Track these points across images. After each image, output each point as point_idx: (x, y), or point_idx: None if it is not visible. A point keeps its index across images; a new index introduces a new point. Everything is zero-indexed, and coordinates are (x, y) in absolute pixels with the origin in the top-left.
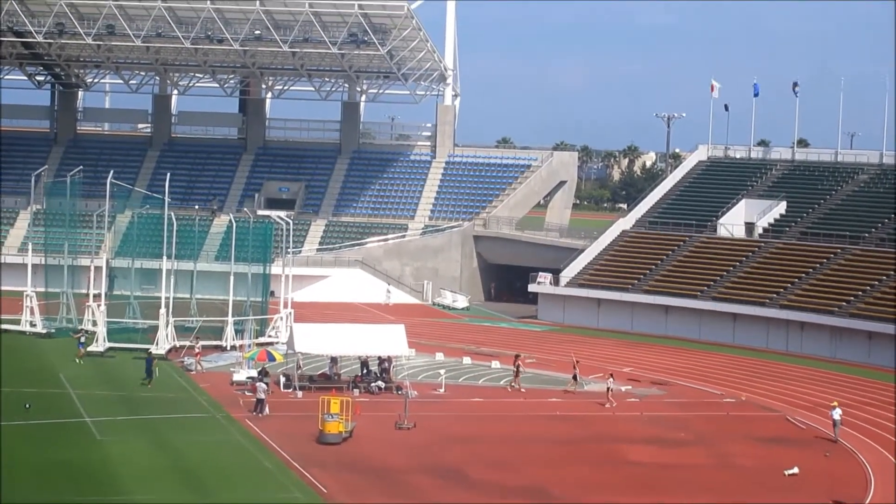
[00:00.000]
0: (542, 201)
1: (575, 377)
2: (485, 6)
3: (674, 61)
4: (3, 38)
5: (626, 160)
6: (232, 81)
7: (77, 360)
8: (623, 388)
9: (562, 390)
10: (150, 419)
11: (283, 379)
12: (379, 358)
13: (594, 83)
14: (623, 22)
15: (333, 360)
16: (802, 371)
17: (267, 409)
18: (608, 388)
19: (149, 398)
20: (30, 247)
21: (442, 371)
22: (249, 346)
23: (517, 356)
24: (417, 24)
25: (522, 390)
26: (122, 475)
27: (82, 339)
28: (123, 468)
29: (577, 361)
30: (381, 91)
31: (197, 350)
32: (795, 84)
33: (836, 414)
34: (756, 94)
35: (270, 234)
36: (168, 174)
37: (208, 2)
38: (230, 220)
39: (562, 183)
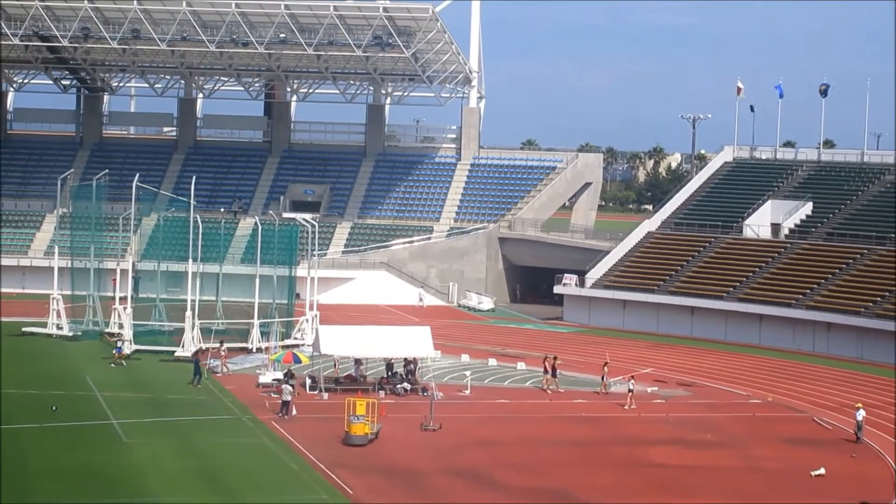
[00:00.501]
0: (567, 203)
1: (603, 378)
2: (509, 8)
3: (699, 62)
4: (29, 43)
5: (652, 161)
6: (257, 84)
7: (112, 364)
8: (648, 390)
9: (595, 392)
10: (177, 421)
11: (308, 381)
12: (405, 360)
13: (619, 84)
14: (648, 22)
15: (357, 361)
16: (829, 372)
17: (294, 411)
18: (629, 390)
19: (175, 400)
20: (56, 250)
21: (467, 372)
22: (276, 348)
23: (546, 358)
24: (442, 26)
25: (549, 392)
26: (149, 477)
27: (119, 344)
28: (150, 470)
29: (607, 363)
30: (405, 93)
31: (222, 352)
32: (825, 87)
33: (860, 415)
34: (781, 96)
35: (296, 237)
36: (193, 177)
37: (233, 5)
38: (256, 223)
39: (587, 184)
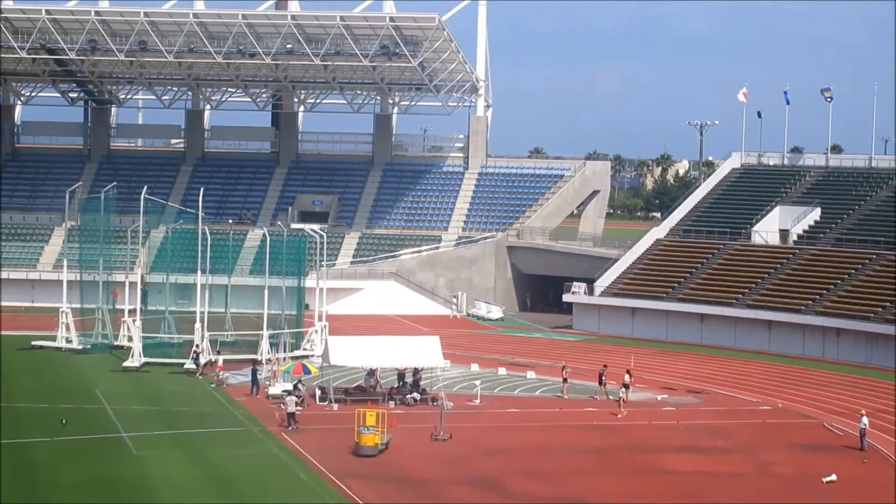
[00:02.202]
0: (575, 211)
1: (601, 382)
2: (516, 17)
3: (706, 69)
4: (36, 56)
5: (660, 169)
6: (264, 95)
7: (200, 377)
8: (658, 397)
9: (615, 399)
10: (187, 433)
11: (318, 392)
12: (415, 369)
13: (626, 92)
14: (655, 30)
15: (371, 371)
16: (839, 377)
17: (297, 424)
18: (620, 398)
19: (184, 412)
20: (65, 263)
21: (477, 382)
22: (285, 359)
23: (564, 368)
24: (448, 35)
25: (565, 398)
26: (159, 489)
27: (198, 358)
28: (160, 482)
29: (605, 367)
30: (413, 103)
31: (216, 363)
32: (826, 90)
33: (863, 422)
34: (788, 102)
35: (304, 248)
36: (201, 189)
37: (240, 16)
38: (264, 234)
39: (595, 192)
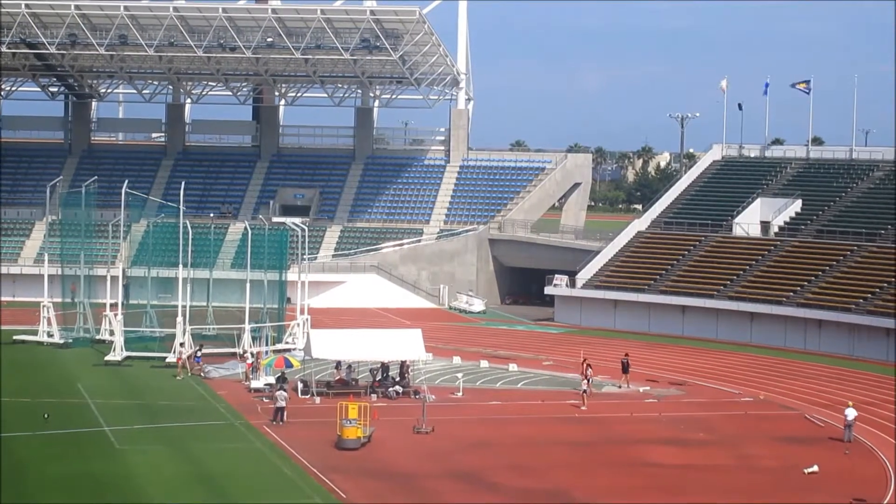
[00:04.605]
0: (556, 204)
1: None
2: (497, 9)
3: (687, 62)
4: (16, 51)
5: (641, 161)
6: (245, 89)
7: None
8: (640, 389)
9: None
10: (169, 427)
11: (300, 385)
12: (402, 363)
13: (607, 85)
14: (636, 24)
15: (342, 364)
16: (821, 369)
17: (285, 418)
18: (584, 391)
19: (167, 406)
20: (46, 257)
21: (459, 375)
22: (267, 352)
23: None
24: (429, 28)
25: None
26: (142, 484)
27: (199, 355)
28: (143, 477)
29: (586, 360)
30: (394, 96)
31: (185, 355)
32: (801, 83)
33: (851, 415)
34: (765, 93)
35: (286, 241)
36: (183, 183)
37: (220, 10)
38: (245, 228)
39: (576, 185)
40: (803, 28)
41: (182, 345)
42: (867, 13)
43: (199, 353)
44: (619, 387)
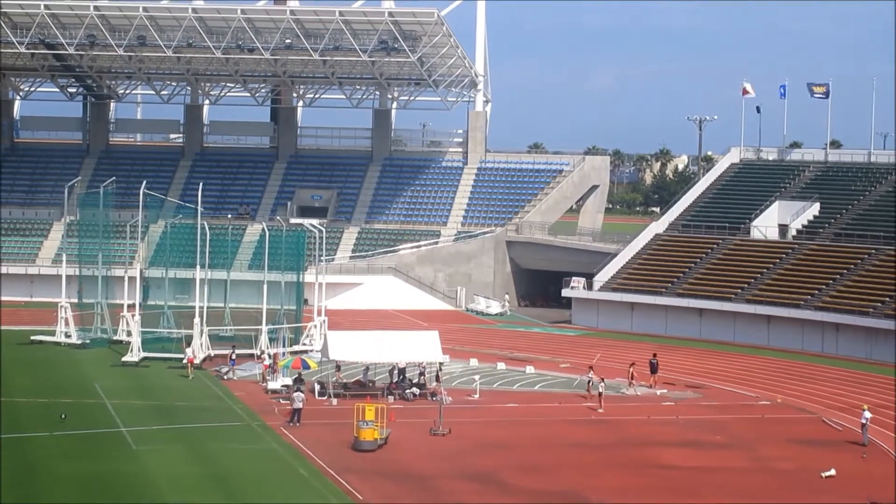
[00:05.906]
0: (574, 206)
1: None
2: (515, 11)
3: (705, 64)
4: (35, 51)
5: (659, 163)
6: (263, 90)
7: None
8: (658, 392)
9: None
10: (186, 428)
11: (317, 387)
12: (419, 365)
13: (626, 87)
14: (654, 25)
15: (338, 367)
16: (838, 372)
17: (301, 419)
18: (599, 392)
19: (183, 407)
20: (64, 258)
21: (476, 377)
22: (284, 354)
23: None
24: (447, 30)
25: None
26: (159, 484)
27: (233, 357)
28: (159, 477)
29: (591, 367)
30: (412, 98)
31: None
32: (816, 86)
33: (865, 416)
34: (783, 96)
35: (303, 242)
36: (200, 184)
37: (238, 11)
38: (263, 229)
39: (594, 187)
40: (821, 29)
41: (199, 345)
42: (886, 14)
43: (233, 356)
44: (650, 387)
